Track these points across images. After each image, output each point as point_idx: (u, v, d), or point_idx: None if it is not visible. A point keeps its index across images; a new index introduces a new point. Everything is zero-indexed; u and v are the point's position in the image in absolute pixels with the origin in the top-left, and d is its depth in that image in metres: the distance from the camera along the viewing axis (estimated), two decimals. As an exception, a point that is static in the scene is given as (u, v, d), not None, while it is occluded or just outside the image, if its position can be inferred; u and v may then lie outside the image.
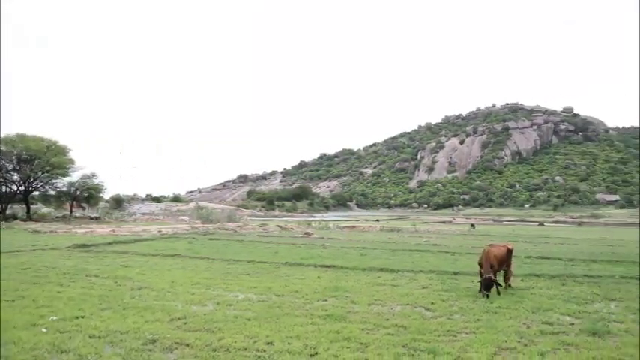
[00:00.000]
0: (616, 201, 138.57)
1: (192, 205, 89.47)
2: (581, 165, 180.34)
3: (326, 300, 9.83)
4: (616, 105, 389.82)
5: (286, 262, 16.08)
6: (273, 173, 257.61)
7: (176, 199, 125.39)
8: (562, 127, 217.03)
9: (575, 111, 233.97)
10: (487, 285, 10.26)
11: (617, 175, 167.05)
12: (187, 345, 6.60)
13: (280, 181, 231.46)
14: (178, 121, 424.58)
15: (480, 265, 10.90)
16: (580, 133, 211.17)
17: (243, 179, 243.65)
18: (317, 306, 9.21)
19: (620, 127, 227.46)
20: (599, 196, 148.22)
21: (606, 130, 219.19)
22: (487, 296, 10.10)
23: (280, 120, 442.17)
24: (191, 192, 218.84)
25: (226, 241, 25.78)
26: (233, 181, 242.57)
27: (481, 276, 10.87)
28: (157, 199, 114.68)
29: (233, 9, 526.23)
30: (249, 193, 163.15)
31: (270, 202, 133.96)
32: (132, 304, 9.01)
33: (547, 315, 8.62)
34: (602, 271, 15.00)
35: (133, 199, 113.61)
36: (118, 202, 75.91)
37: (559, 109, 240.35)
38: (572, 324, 8.03)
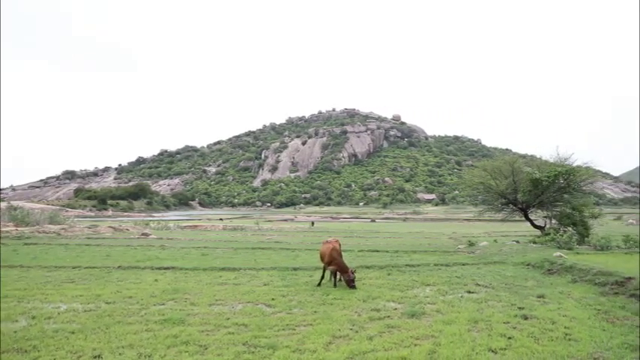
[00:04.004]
0: (433, 199, 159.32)
1: (2, 205, 76.96)
2: (406, 167, 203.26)
3: (163, 304, 9.34)
4: (434, 115, 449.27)
5: (119, 266, 14.91)
6: (107, 169, 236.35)
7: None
8: (391, 132, 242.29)
9: (403, 119, 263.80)
10: (353, 278, 11.04)
11: (434, 177, 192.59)
12: (-10, 369, 5.63)
13: (115, 178, 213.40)
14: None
15: (330, 262, 11.43)
16: (406, 139, 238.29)
17: (69, 175, 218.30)
18: (153, 311, 8.68)
19: (437, 135, 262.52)
20: (419, 195, 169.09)
21: (426, 138, 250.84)
22: (355, 287, 10.85)
23: (115, 112, 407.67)
24: (2, 190, 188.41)
25: (47, 246, 22.83)
26: (57, 178, 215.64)
27: (324, 271, 11.77)
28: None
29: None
30: (77, 191, 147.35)
31: (102, 200, 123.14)
32: None
33: (375, 302, 9.48)
34: (421, 260, 17.13)
35: None
36: None
37: (389, 116, 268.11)
38: (396, 309, 8.96)
